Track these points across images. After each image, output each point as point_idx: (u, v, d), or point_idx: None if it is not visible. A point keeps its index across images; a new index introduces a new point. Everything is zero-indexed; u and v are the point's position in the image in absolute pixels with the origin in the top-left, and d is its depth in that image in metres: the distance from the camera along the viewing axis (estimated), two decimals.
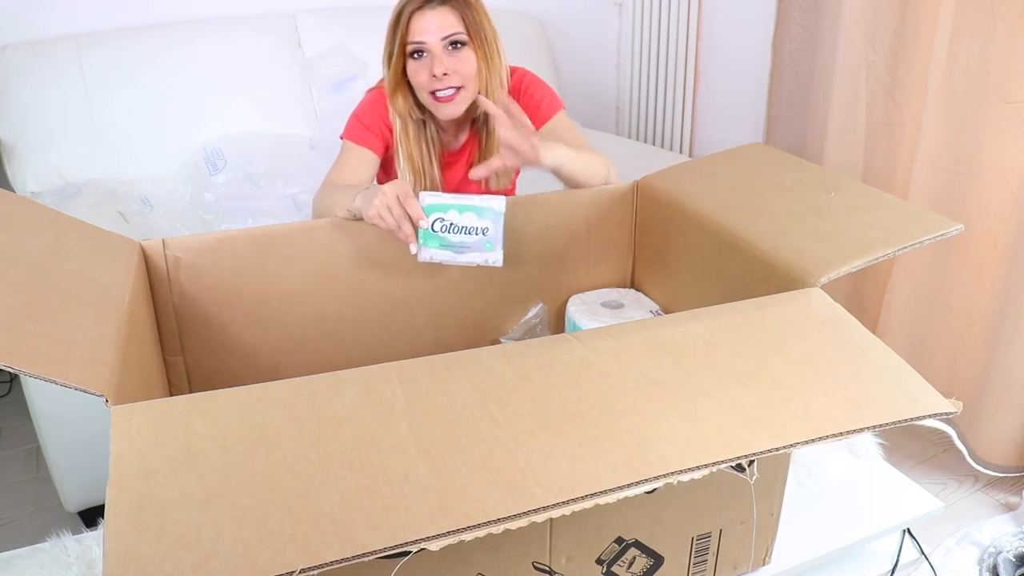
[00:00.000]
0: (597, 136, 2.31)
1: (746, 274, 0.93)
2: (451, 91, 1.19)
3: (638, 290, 1.23)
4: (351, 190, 1.05)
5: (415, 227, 0.97)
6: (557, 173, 1.14)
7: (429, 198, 0.97)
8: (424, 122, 1.26)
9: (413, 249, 0.98)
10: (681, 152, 2.53)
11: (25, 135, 1.83)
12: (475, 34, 1.19)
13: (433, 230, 0.97)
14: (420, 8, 1.17)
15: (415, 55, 1.19)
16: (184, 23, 2.04)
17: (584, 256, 1.19)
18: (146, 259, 0.93)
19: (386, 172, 1.33)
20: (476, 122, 1.30)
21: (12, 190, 1.83)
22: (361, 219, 1.01)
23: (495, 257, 0.98)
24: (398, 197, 0.96)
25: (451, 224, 0.97)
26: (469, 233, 0.97)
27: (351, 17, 2.21)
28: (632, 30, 2.64)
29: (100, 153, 1.88)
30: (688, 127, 2.51)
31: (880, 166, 1.81)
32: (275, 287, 1.01)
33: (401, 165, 1.26)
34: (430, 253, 0.98)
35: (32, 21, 1.94)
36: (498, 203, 0.99)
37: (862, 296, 1.94)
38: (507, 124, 1.05)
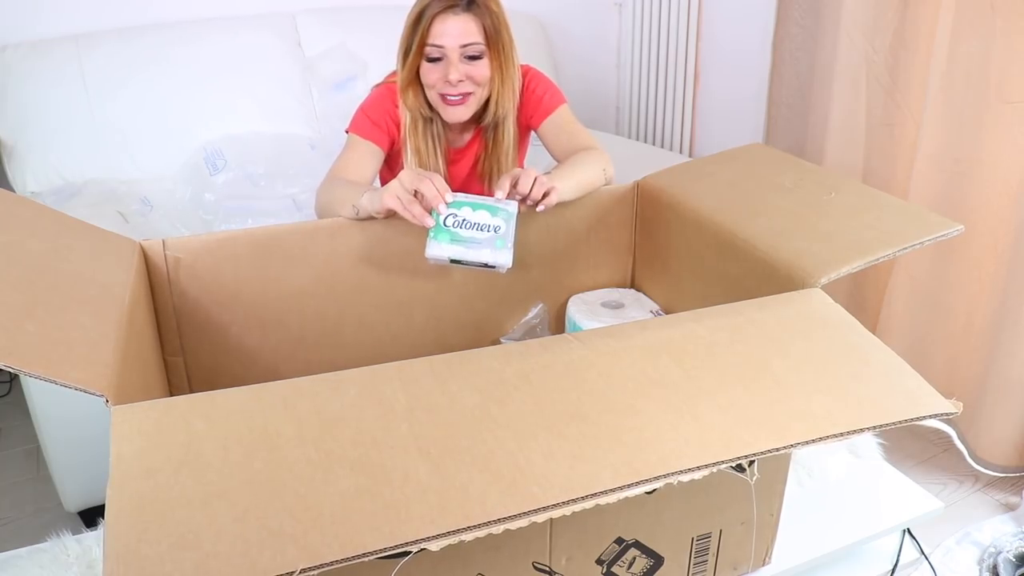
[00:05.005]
0: (597, 136, 2.30)
1: (746, 274, 0.93)
2: (461, 96, 1.20)
3: (638, 290, 1.23)
4: (357, 188, 1.05)
5: (433, 217, 0.97)
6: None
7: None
8: (431, 119, 1.26)
9: (429, 222, 0.96)
10: (681, 152, 2.53)
11: (25, 135, 1.82)
12: (493, 44, 1.20)
13: (445, 225, 0.97)
14: (443, 12, 1.17)
15: (431, 57, 1.19)
16: (184, 23, 2.04)
17: (584, 256, 1.19)
18: (146, 259, 0.93)
19: (390, 168, 1.34)
20: (482, 122, 1.30)
21: (12, 190, 1.82)
22: (365, 219, 1.01)
23: (504, 257, 0.97)
24: (419, 173, 0.96)
25: (464, 220, 0.97)
26: (481, 230, 0.97)
27: (351, 17, 2.21)
28: (632, 30, 2.64)
29: (100, 153, 1.88)
30: (688, 127, 2.51)
31: (880, 166, 1.81)
32: (275, 287, 1.01)
33: (409, 159, 1.26)
34: (440, 248, 0.96)
35: (32, 21, 1.94)
36: (511, 205, 0.99)
37: (862, 296, 1.94)
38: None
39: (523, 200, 1.02)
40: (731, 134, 2.38)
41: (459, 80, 1.18)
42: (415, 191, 0.96)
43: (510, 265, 0.98)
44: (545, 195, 1.01)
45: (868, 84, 1.79)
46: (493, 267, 0.98)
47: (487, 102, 1.25)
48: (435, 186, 0.96)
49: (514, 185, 1.01)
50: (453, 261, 0.97)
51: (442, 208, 0.96)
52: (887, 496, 0.93)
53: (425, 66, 1.20)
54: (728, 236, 0.97)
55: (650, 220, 1.16)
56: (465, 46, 1.18)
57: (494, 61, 1.21)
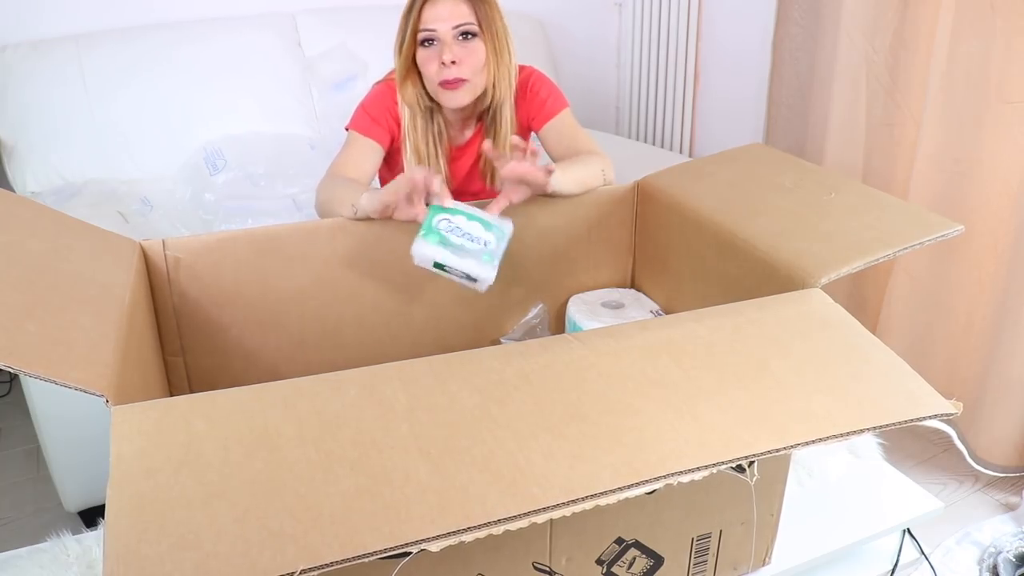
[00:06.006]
0: (597, 136, 2.30)
1: (746, 275, 0.93)
2: (457, 80, 1.20)
3: (638, 290, 1.23)
4: (356, 187, 1.04)
5: (427, 216, 0.96)
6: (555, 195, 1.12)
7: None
8: (432, 113, 1.26)
9: (422, 216, 0.95)
10: (681, 152, 2.53)
11: (25, 135, 1.83)
12: (486, 27, 1.20)
13: (437, 227, 0.96)
14: None
15: (426, 43, 1.19)
16: (184, 23, 2.04)
17: (584, 256, 1.19)
18: (146, 259, 0.93)
19: (390, 166, 1.34)
20: (484, 117, 1.30)
21: (12, 190, 1.83)
22: (363, 219, 1.01)
23: (488, 272, 0.95)
24: (424, 170, 0.96)
25: (456, 227, 0.96)
26: (472, 240, 0.95)
27: (351, 17, 2.21)
28: (632, 30, 2.64)
29: (100, 153, 1.88)
30: (688, 127, 2.51)
31: (880, 166, 1.81)
32: (275, 287, 1.01)
33: (408, 157, 1.26)
34: (427, 247, 0.94)
35: (32, 21, 1.94)
36: (507, 225, 0.98)
37: (862, 296, 1.94)
38: (517, 163, 1.01)
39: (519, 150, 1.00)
40: (731, 134, 2.38)
41: (452, 61, 1.18)
42: (414, 187, 0.95)
43: (492, 282, 0.95)
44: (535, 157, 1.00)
45: (868, 84, 1.79)
46: (475, 281, 0.95)
47: (484, 91, 1.25)
48: (435, 185, 0.96)
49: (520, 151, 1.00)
50: (437, 265, 0.95)
51: (438, 210, 0.96)
52: (887, 496, 0.93)
53: (421, 54, 1.20)
54: (728, 236, 0.97)
55: (650, 220, 1.16)
56: (457, 27, 1.18)
57: (488, 44, 1.21)
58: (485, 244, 0.96)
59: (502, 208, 1.02)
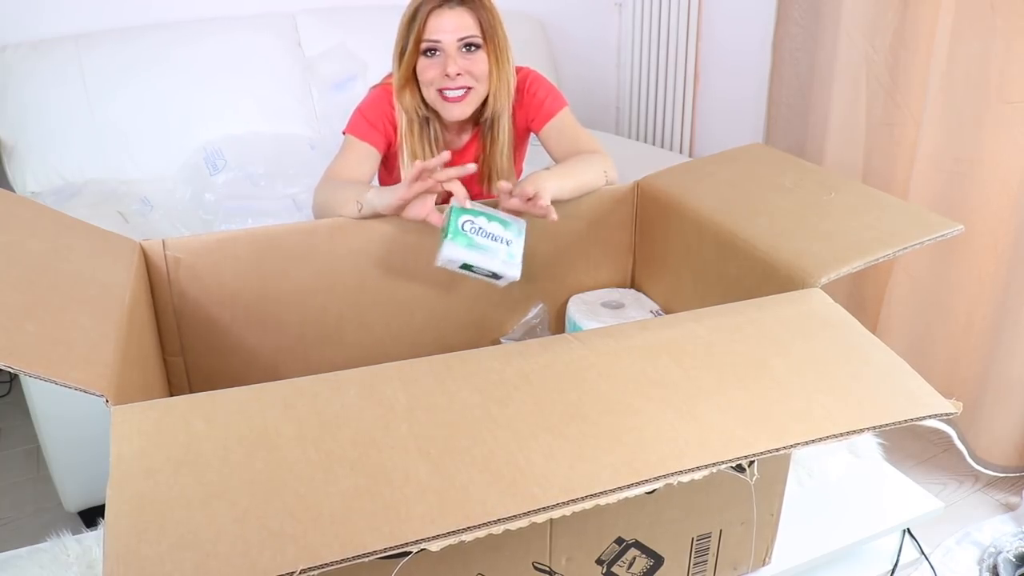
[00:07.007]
0: (597, 136, 2.30)
1: (746, 274, 0.93)
2: (461, 91, 1.20)
3: (638, 290, 1.23)
4: (358, 186, 1.05)
5: (449, 219, 0.98)
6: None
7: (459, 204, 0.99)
8: (429, 120, 1.26)
9: (432, 215, 0.98)
10: (681, 152, 2.53)
11: (25, 135, 1.83)
12: (490, 37, 1.20)
13: (463, 229, 0.97)
14: (438, 7, 1.17)
15: (428, 53, 1.19)
16: (184, 23, 2.04)
17: (584, 256, 1.19)
18: (146, 259, 0.93)
19: (388, 169, 1.33)
20: (480, 122, 1.30)
21: (12, 190, 1.83)
22: (368, 216, 1.01)
23: (514, 269, 0.98)
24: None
25: (480, 228, 0.98)
26: (495, 240, 0.98)
27: (351, 17, 2.21)
28: (632, 30, 2.64)
29: (100, 153, 1.88)
30: (688, 127, 2.51)
31: (880, 166, 1.81)
32: (275, 287, 1.01)
33: (405, 163, 1.26)
34: (456, 250, 0.96)
35: (32, 21, 1.94)
36: (521, 222, 1.02)
37: (862, 296, 1.94)
38: (521, 203, 1.03)
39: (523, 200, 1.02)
40: (731, 134, 2.38)
41: (458, 73, 1.18)
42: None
43: (518, 278, 0.99)
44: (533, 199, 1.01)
45: (868, 84, 1.79)
46: (500, 278, 0.99)
47: (484, 100, 1.25)
48: (456, 188, 0.99)
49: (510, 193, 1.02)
50: (464, 266, 0.97)
51: (460, 212, 0.98)
52: (887, 496, 0.93)
53: (422, 63, 1.20)
54: (728, 236, 0.97)
55: (650, 220, 1.16)
56: (462, 39, 1.18)
57: (491, 55, 1.20)
58: (508, 243, 0.99)
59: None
